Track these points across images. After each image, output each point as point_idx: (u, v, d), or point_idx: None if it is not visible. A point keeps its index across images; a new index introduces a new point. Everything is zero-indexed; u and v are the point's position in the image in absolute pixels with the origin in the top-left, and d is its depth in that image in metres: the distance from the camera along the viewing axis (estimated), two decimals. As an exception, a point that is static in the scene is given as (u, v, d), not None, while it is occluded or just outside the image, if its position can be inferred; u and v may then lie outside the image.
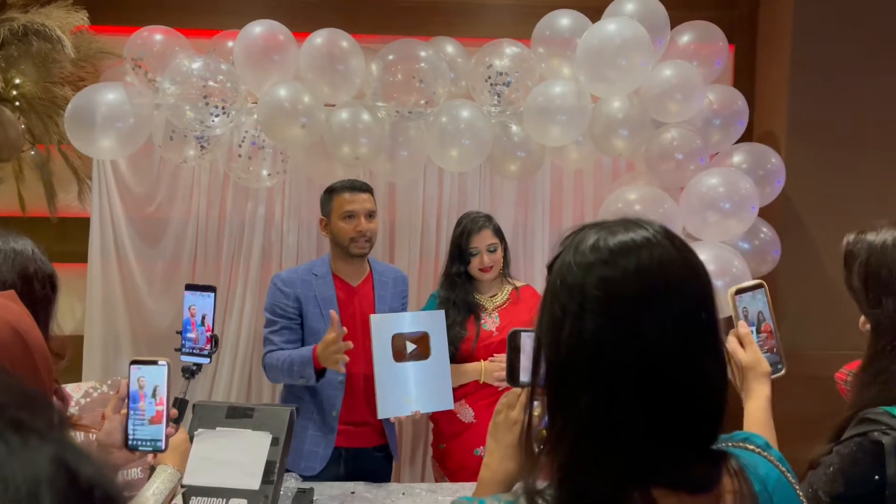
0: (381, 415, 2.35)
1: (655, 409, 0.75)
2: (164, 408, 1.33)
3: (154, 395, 1.33)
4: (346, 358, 2.25)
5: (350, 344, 2.26)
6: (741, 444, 0.86)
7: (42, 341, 0.95)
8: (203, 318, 1.59)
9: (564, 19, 2.97)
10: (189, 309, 1.59)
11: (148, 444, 1.32)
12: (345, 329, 2.27)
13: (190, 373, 1.68)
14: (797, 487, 0.84)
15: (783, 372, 1.35)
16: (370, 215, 2.53)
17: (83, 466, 0.42)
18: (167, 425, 1.33)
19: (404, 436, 3.25)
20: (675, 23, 3.08)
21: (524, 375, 0.99)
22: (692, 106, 2.90)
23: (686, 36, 3.07)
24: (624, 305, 0.76)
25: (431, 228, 3.29)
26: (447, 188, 3.28)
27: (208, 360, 1.62)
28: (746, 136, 3.32)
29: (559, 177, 3.33)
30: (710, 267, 2.73)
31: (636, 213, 2.84)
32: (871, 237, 1.20)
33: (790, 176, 3.13)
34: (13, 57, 2.81)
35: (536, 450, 0.79)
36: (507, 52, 2.95)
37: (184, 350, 1.62)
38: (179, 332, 1.65)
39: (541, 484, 0.77)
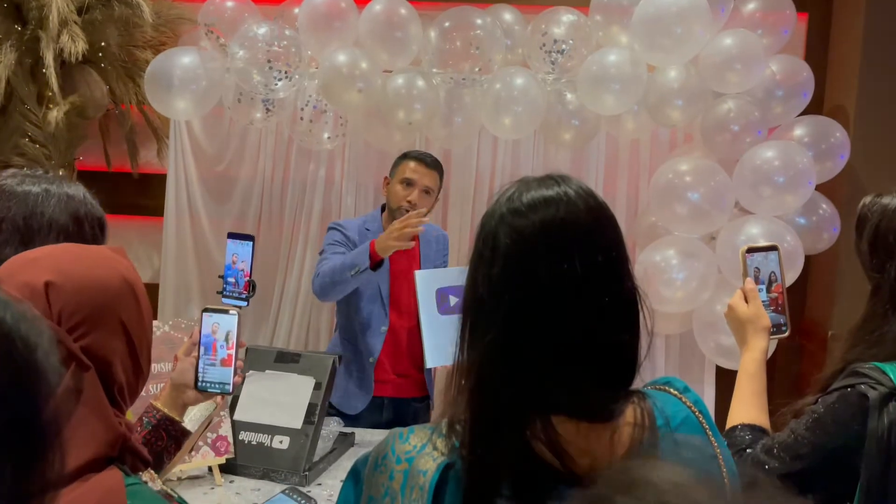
0: (429, 364, 2.45)
1: (554, 345, 0.82)
2: (234, 352, 1.42)
3: (226, 340, 1.42)
4: (420, 229, 2.36)
5: (421, 210, 2.39)
6: (662, 387, 0.92)
7: (145, 292, 1.05)
8: (243, 263, 1.72)
9: (624, -14, 2.94)
10: (231, 256, 1.72)
11: (216, 385, 1.40)
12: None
13: None
14: (706, 426, 0.88)
15: (787, 333, 1.38)
16: (427, 192, 2.58)
17: (6, 313, 0.53)
18: (235, 371, 1.42)
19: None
20: (745, -11, 3.00)
21: None
22: (752, 76, 2.84)
23: (752, 4, 2.98)
24: (527, 253, 0.84)
25: (484, 196, 3.35)
26: (501, 156, 3.33)
27: (246, 303, 1.73)
28: (816, 109, 3.22)
29: (614, 147, 3.33)
30: (761, 241, 2.72)
31: (686, 184, 2.83)
32: (885, 200, 1.20)
33: (857, 151, 3.02)
34: (97, 21, 3.03)
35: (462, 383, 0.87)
36: (563, 20, 2.96)
37: (225, 293, 1.76)
38: (221, 276, 1.79)
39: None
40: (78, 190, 1.28)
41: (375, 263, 2.40)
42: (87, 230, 1.28)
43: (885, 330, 1.13)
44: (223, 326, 1.42)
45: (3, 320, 0.53)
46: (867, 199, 1.23)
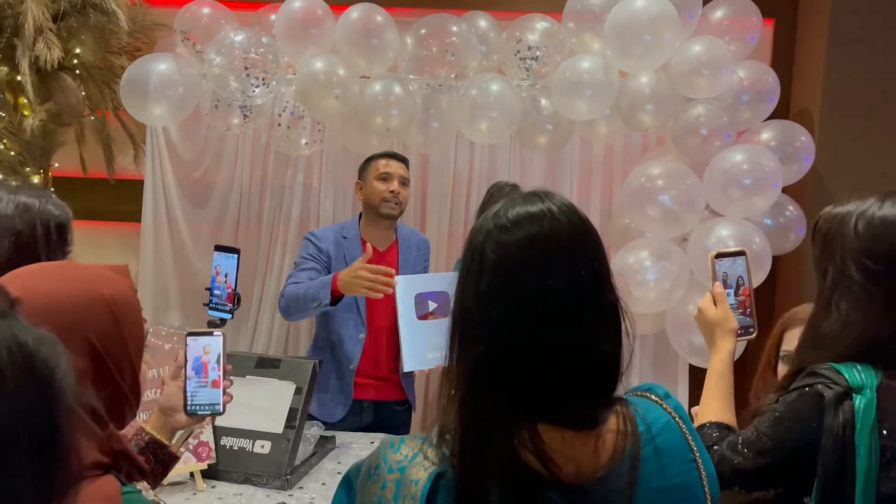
0: (406, 368, 2.48)
1: (539, 356, 0.85)
2: (222, 373, 1.42)
3: (217, 362, 1.42)
4: (388, 290, 2.32)
5: (390, 270, 2.35)
6: (643, 394, 0.96)
7: (136, 314, 1.03)
8: (226, 276, 1.74)
9: (596, -6, 3.01)
10: (216, 268, 1.74)
11: (207, 407, 1.40)
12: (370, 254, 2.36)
13: (215, 326, 1.84)
14: (686, 431, 0.92)
15: (754, 335, 1.44)
16: (403, 182, 2.65)
17: (28, 337, 0.58)
18: (224, 391, 1.42)
19: (431, 394, 3.42)
20: (712, -4, 3.08)
21: None
22: (721, 82, 2.91)
23: (719, 11, 3.07)
24: (513, 267, 0.87)
25: (461, 200, 3.41)
26: (477, 161, 3.39)
27: (230, 315, 1.75)
28: (782, 114, 3.31)
29: (588, 151, 3.39)
30: (731, 243, 2.80)
31: (657, 187, 2.89)
32: (837, 210, 1.26)
33: (822, 154, 3.12)
34: (73, 28, 3.03)
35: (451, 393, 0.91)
36: (537, 27, 3.01)
37: (211, 305, 1.77)
38: (208, 289, 1.80)
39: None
40: (35, 196, 1.32)
41: (336, 298, 2.41)
42: (39, 232, 1.31)
43: (825, 332, 1.19)
44: (214, 348, 1.42)
45: (25, 344, 0.58)
46: (824, 210, 1.29)
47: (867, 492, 1.07)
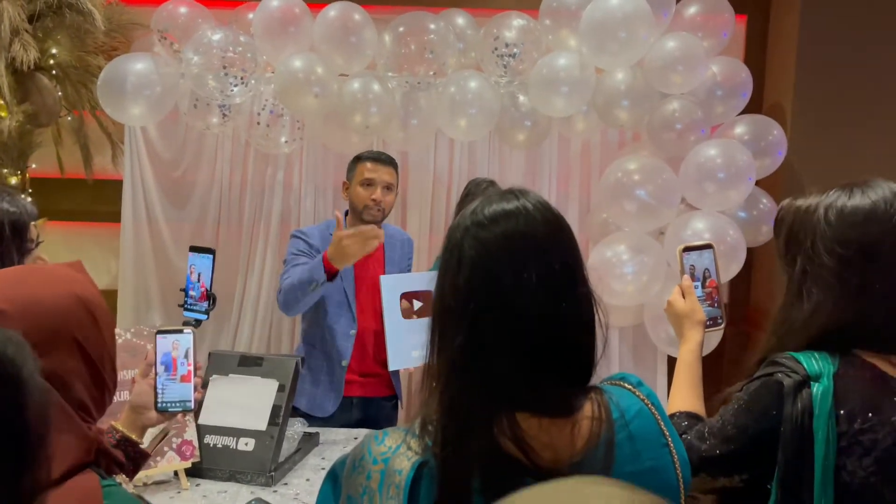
0: (391, 367, 2.51)
1: (516, 348, 0.89)
2: (193, 368, 1.43)
3: (186, 357, 1.44)
4: (378, 240, 2.34)
5: (378, 231, 2.36)
6: (617, 382, 1.00)
7: (106, 308, 1.06)
8: (200, 276, 1.74)
9: (572, -8, 3.04)
10: (190, 269, 1.75)
11: (177, 404, 1.40)
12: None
13: (189, 326, 1.84)
14: (659, 418, 0.96)
15: (723, 326, 1.48)
16: (388, 188, 2.64)
17: None
18: (195, 387, 1.44)
19: (415, 389, 3.44)
20: (686, -7, 3.13)
21: None
22: (695, 77, 2.96)
23: (693, 7, 3.11)
24: (490, 262, 0.91)
25: (441, 197, 3.43)
26: (457, 158, 3.41)
27: (206, 316, 1.75)
28: (755, 108, 3.37)
29: (566, 147, 3.43)
30: (706, 235, 2.85)
31: (634, 182, 2.94)
32: (799, 202, 1.29)
33: (794, 148, 3.18)
34: (49, 28, 3.01)
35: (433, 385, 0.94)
36: (514, 25, 3.05)
37: (186, 306, 1.78)
38: (183, 290, 1.81)
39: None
40: None
41: (332, 275, 2.42)
42: None
43: (795, 318, 1.23)
44: (183, 344, 1.44)
45: None
46: (784, 202, 1.33)
47: (825, 477, 1.11)
